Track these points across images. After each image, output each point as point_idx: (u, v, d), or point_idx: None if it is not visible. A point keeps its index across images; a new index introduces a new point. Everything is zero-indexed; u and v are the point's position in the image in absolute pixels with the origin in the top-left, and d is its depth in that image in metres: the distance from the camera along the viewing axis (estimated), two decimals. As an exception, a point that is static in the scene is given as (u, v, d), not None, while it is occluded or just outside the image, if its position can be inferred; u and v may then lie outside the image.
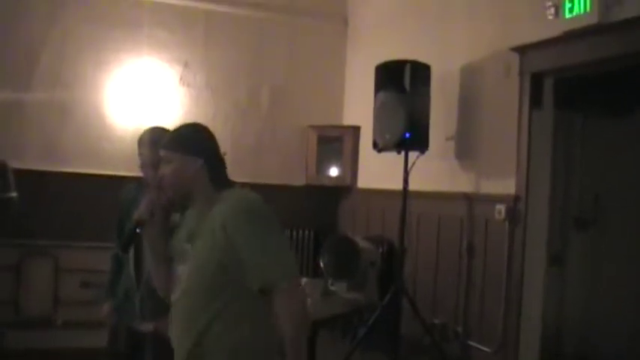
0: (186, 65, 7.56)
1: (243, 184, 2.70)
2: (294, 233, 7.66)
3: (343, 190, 7.93)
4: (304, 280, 4.55)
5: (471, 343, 5.51)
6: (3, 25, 6.87)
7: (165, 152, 2.61)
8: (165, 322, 3.37)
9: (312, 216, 7.82)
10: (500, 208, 5.19)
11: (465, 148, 5.84)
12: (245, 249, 2.44)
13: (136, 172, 3.81)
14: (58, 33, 7.05)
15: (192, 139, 2.62)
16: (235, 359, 2.50)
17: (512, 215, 5.12)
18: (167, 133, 3.46)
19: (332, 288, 5.15)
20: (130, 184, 3.80)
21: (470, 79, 5.85)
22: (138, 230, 2.63)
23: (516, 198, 5.11)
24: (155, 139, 3.45)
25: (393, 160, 5.85)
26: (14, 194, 5.89)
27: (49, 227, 6.76)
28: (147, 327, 3.59)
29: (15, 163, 6.07)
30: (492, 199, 5.32)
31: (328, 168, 7.97)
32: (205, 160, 2.58)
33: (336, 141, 7.91)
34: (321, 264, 5.36)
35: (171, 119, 7.13)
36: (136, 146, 3.69)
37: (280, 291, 2.45)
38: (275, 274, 2.45)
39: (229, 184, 2.64)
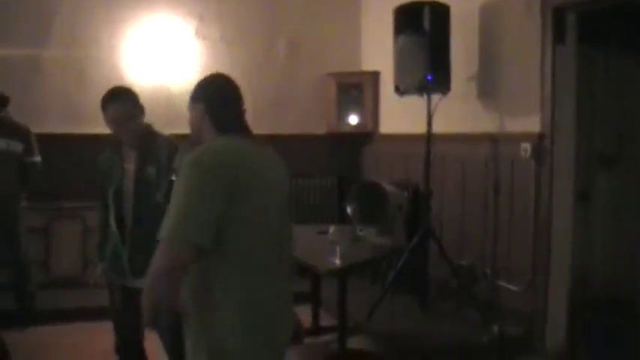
0: (201, 18, 7.50)
1: (251, 135, 2.60)
2: (318, 181, 7.69)
3: (365, 136, 7.91)
4: (332, 227, 4.56)
5: (500, 282, 5.52)
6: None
7: (188, 102, 2.65)
8: None
9: (335, 163, 7.84)
10: (526, 146, 5.16)
11: (488, 88, 5.77)
12: None
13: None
14: (70, -8, 7.03)
15: (197, 87, 2.63)
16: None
17: (538, 153, 5.08)
18: (124, 91, 3.67)
19: (361, 234, 5.16)
20: (104, 152, 3.84)
21: (490, 17, 5.76)
22: (174, 178, 2.59)
23: (541, 136, 5.07)
24: (114, 95, 3.62)
25: (415, 103, 5.81)
26: (38, 158, 5.96)
27: (74, 189, 6.80)
28: (139, 283, 3.62)
29: (37, 128, 6.11)
30: (517, 138, 5.28)
31: (349, 115, 7.91)
32: (206, 105, 2.55)
33: (356, 87, 7.85)
34: (349, 210, 5.35)
35: (189, 74, 7.13)
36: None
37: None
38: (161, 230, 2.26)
39: (234, 130, 2.54)
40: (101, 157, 3.85)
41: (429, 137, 5.64)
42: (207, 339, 2.35)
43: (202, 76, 2.68)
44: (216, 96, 2.59)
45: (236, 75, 2.69)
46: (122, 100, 3.61)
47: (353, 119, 7.90)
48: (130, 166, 3.66)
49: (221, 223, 2.25)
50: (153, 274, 2.22)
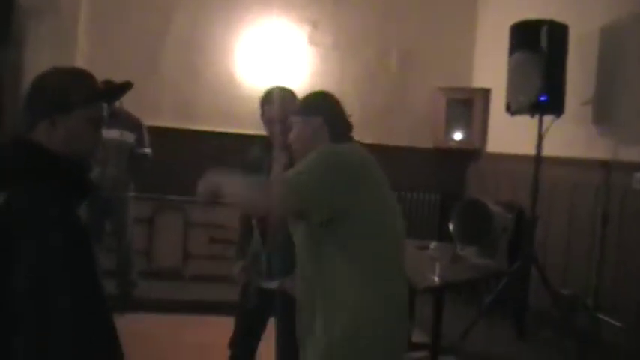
0: (315, 25, 7.55)
1: (362, 144, 2.68)
2: (420, 196, 7.60)
3: (472, 153, 7.77)
4: (433, 243, 4.49)
5: (602, 316, 5.30)
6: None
7: (292, 118, 2.79)
8: (289, 280, 3.43)
9: (439, 180, 7.72)
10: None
11: (603, 113, 5.57)
12: None
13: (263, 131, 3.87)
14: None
15: (311, 102, 2.78)
16: None
17: (653, 185, 4.87)
18: (283, 91, 3.65)
19: (461, 253, 5.06)
20: (254, 147, 3.85)
21: (610, 39, 5.56)
22: None
23: (658, 166, 4.87)
24: (283, 95, 3.59)
25: (525, 123, 5.67)
26: (149, 150, 6.13)
27: (180, 183, 6.93)
28: (273, 284, 3.65)
29: (150, 121, 6.28)
30: (631, 167, 5.08)
31: (456, 131, 7.80)
32: (324, 119, 2.67)
33: (466, 103, 7.73)
34: (451, 228, 5.26)
35: (300, 79, 7.18)
36: None
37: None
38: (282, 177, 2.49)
39: (348, 140, 2.68)
40: (249, 155, 3.87)
41: (539, 160, 5.49)
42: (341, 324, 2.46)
43: (307, 94, 2.82)
44: (333, 109, 2.74)
45: (347, 83, 2.77)
46: (280, 101, 3.60)
47: (461, 134, 7.78)
48: (279, 170, 3.68)
49: (348, 215, 2.42)
50: (257, 199, 2.55)
